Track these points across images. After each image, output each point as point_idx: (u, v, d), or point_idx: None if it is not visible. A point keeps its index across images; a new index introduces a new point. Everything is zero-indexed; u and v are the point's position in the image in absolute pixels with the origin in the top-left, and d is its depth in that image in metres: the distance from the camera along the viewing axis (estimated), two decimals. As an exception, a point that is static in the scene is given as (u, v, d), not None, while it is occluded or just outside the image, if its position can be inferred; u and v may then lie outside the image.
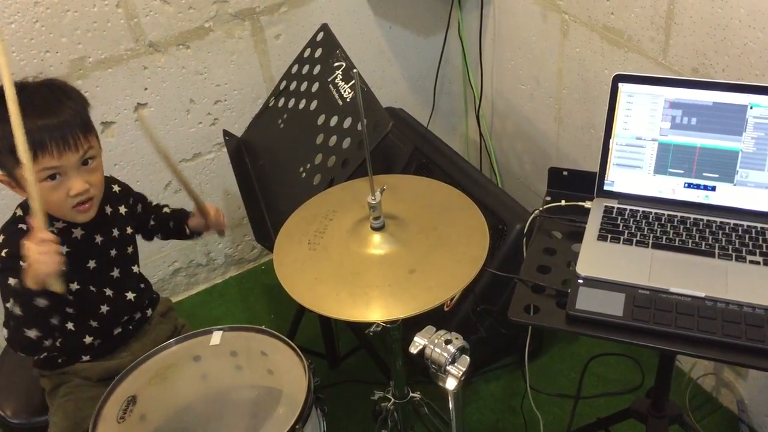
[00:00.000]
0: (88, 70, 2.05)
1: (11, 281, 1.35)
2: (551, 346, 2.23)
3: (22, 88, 1.35)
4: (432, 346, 1.09)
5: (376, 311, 1.22)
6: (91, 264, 1.52)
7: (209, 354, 1.51)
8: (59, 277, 1.28)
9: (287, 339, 1.48)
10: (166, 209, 1.75)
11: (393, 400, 1.63)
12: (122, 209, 1.60)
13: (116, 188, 1.61)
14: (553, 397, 2.08)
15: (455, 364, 1.07)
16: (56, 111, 1.36)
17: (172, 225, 1.74)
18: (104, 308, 1.55)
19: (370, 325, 1.44)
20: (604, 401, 2.06)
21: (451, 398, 1.09)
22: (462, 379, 1.06)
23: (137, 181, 2.27)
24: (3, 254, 1.39)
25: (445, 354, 1.08)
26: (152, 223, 1.72)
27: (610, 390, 2.09)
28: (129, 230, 1.62)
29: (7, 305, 1.35)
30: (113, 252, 1.57)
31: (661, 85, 1.37)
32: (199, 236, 1.77)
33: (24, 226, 1.43)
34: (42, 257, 1.25)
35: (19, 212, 1.47)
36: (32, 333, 1.34)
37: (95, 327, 1.55)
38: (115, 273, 1.57)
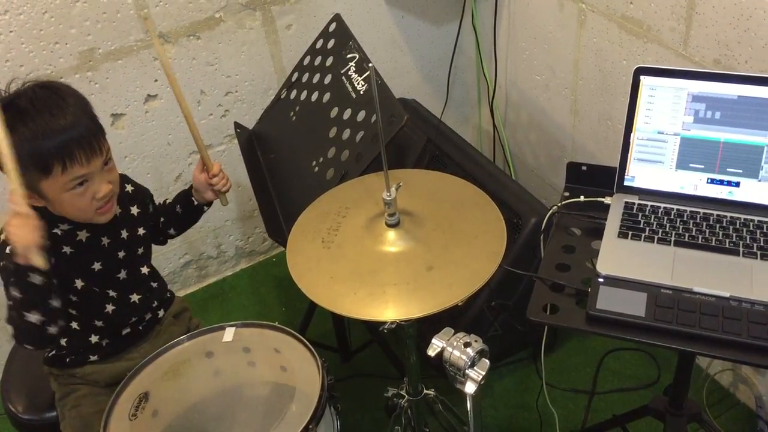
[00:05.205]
0: (98, 62, 2.03)
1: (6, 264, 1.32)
2: (565, 340, 2.20)
3: (18, 96, 1.31)
4: (451, 349, 1.06)
5: (395, 310, 1.20)
6: (97, 266, 1.48)
7: (222, 350, 1.50)
8: (40, 251, 1.23)
9: (301, 336, 1.46)
10: (167, 200, 1.71)
11: (407, 397, 1.61)
12: (134, 210, 1.56)
13: (129, 188, 1.57)
14: (567, 392, 2.06)
15: (474, 367, 1.05)
16: (64, 111, 1.32)
17: (180, 209, 1.67)
18: (109, 308, 1.52)
19: (384, 321, 1.42)
20: (619, 397, 2.04)
21: (470, 401, 1.07)
22: (482, 383, 1.03)
23: (147, 174, 2.26)
24: None
25: (464, 357, 1.05)
26: (162, 219, 1.67)
27: (625, 385, 2.07)
28: (141, 231, 1.57)
29: (8, 292, 1.31)
30: (121, 254, 1.52)
31: (684, 78, 1.33)
32: (208, 206, 1.69)
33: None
34: (17, 230, 1.21)
35: None
36: (33, 317, 1.30)
37: (100, 327, 1.53)
38: (122, 275, 1.53)
